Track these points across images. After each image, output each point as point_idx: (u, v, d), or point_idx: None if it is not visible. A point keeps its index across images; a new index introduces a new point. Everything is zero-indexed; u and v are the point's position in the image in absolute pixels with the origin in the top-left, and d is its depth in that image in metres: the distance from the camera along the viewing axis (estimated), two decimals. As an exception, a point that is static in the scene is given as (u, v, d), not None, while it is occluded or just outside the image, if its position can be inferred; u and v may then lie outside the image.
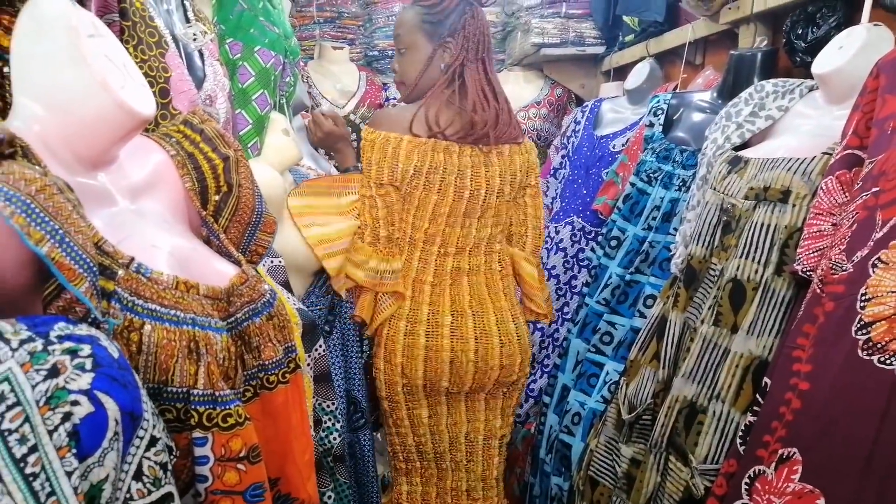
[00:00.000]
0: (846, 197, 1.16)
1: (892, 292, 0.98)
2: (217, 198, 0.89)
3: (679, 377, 1.36)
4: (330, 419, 1.45)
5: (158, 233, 0.75)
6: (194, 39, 1.24)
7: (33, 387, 0.45)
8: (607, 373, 1.70)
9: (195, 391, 0.64)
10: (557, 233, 2.28)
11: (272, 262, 1.47)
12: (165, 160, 0.85)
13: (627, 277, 1.78)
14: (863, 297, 1.00)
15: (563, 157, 2.54)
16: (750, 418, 1.17)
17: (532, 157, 1.73)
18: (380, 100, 2.97)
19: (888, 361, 0.96)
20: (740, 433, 1.19)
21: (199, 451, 0.64)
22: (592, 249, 2.01)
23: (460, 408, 1.76)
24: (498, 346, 1.66)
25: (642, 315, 1.68)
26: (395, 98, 2.96)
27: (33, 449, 0.44)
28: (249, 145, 1.56)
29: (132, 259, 0.64)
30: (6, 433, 0.43)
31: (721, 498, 1.17)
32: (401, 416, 1.71)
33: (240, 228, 0.92)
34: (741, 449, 1.16)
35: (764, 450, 1.09)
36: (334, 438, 1.46)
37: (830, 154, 1.24)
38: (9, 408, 0.44)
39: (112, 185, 0.74)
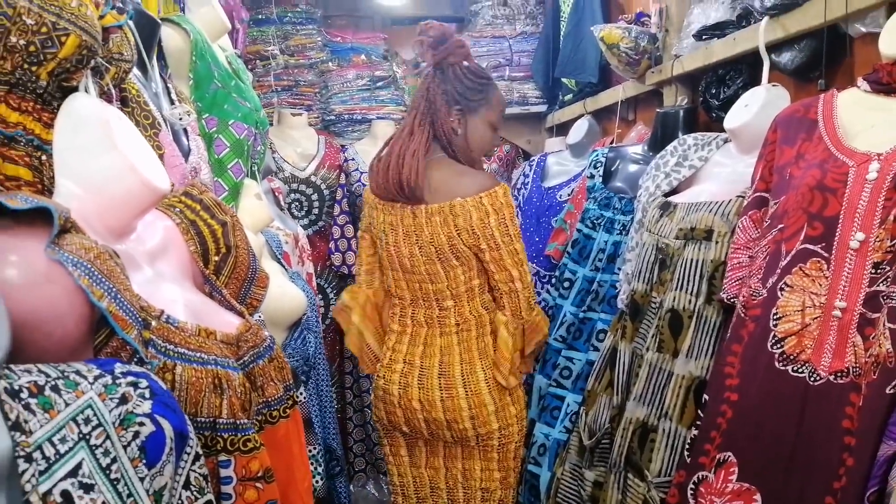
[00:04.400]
0: (758, 232, 1.35)
1: (798, 311, 1.16)
2: (217, 258, 1.02)
3: (631, 401, 1.51)
4: (312, 463, 1.54)
5: (174, 289, 0.87)
6: (181, 119, 1.37)
7: (109, 412, 0.57)
8: (568, 404, 1.83)
9: (220, 420, 0.75)
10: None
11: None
12: (172, 227, 0.98)
13: (581, 315, 1.94)
14: (774, 317, 1.18)
15: (515, 208, 2.72)
16: (694, 432, 1.32)
17: (476, 215, 1.59)
18: (339, 161, 3.13)
19: (800, 370, 1.13)
20: (687, 446, 1.33)
21: (224, 472, 0.75)
22: (548, 291, 2.17)
23: (438, 453, 1.82)
24: (439, 400, 1.67)
25: (595, 348, 1.83)
26: (353, 159, 3.12)
27: (114, 460, 0.55)
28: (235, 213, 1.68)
29: (162, 311, 0.76)
30: (94, 448, 0.54)
31: (674, 506, 1.31)
32: (386, 451, 1.84)
33: (237, 284, 1.04)
34: (688, 460, 1.31)
35: (705, 457, 1.24)
36: (317, 482, 1.55)
37: (743, 197, 1.44)
38: (94, 428, 0.55)
39: (134, 251, 0.86)
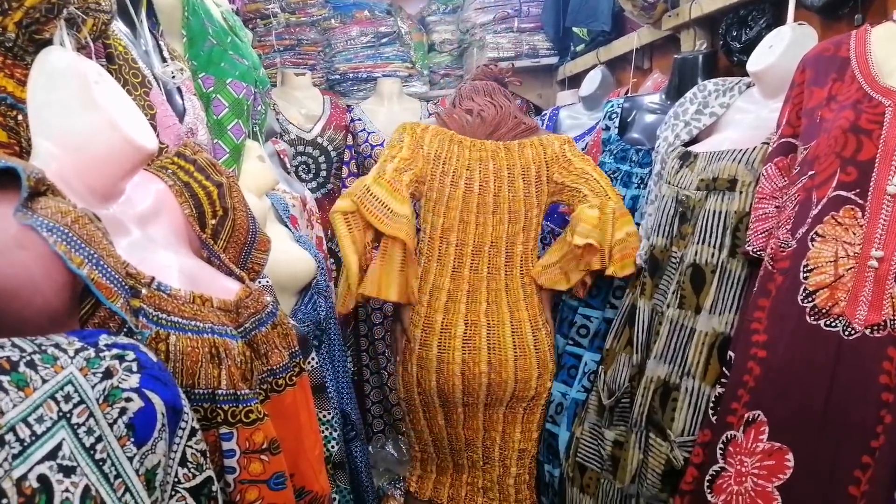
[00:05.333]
0: (785, 181, 1.28)
1: (830, 262, 1.10)
2: (214, 222, 0.96)
3: (652, 359, 1.46)
4: (327, 428, 1.52)
5: (167, 255, 0.82)
6: (173, 77, 1.31)
7: (92, 387, 0.52)
8: (585, 363, 1.79)
9: (219, 391, 0.71)
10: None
11: (259, 282, 1.53)
12: (165, 189, 0.92)
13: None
14: (805, 269, 1.12)
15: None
16: (718, 390, 1.28)
17: (550, 149, 1.76)
18: (345, 122, 3.05)
19: (833, 324, 1.07)
20: (711, 404, 1.29)
21: (226, 445, 0.71)
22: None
23: (478, 417, 1.76)
24: (512, 360, 1.64)
25: (612, 306, 1.78)
26: (359, 119, 3.04)
27: (99, 439, 0.51)
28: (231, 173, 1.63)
29: (153, 278, 0.71)
30: (76, 426, 0.50)
31: (699, 466, 1.27)
32: (417, 418, 1.78)
33: (237, 248, 0.99)
34: (713, 419, 1.26)
35: (733, 416, 1.19)
36: (332, 446, 1.53)
37: (769, 144, 1.36)
38: (75, 405, 0.50)
39: (122, 215, 0.81)
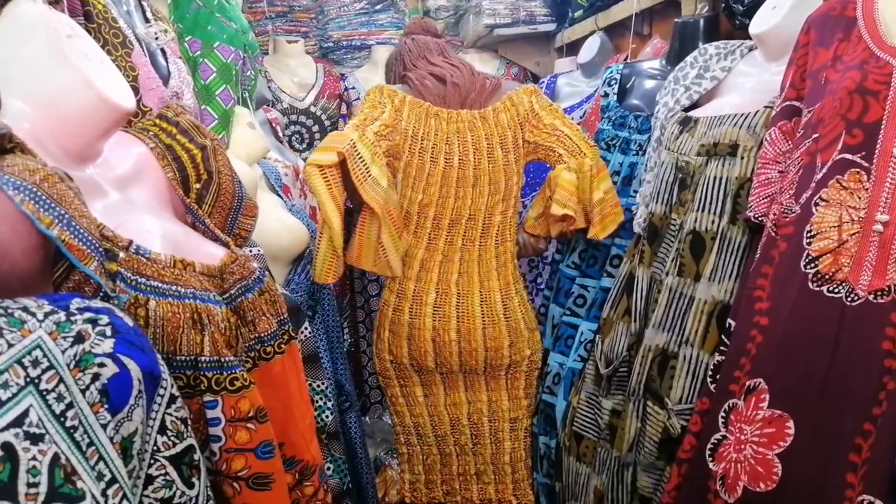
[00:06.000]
0: (789, 145, 1.24)
1: (834, 227, 1.07)
2: (198, 185, 0.93)
3: (650, 328, 1.44)
4: (321, 398, 1.50)
5: (149, 219, 0.79)
6: (156, 38, 1.26)
7: (63, 352, 0.50)
8: (582, 333, 1.77)
9: (202, 358, 0.68)
10: (525, 207, 2.35)
11: (251, 251, 1.50)
12: (146, 152, 0.89)
13: (594, 240, 1.85)
14: (808, 234, 1.09)
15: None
16: (718, 358, 1.26)
17: (521, 107, 1.68)
18: (339, 90, 3.00)
19: (836, 290, 1.05)
20: (709, 373, 1.27)
21: (210, 414, 0.68)
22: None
23: (458, 387, 1.73)
24: (480, 328, 1.63)
25: (610, 275, 1.75)
26: (353, 88, 2.98)
27: (70, 406, 0.48)
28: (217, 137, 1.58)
29: (131, 242, 0.68)
30: (45, 392, 0.47)
31: (697, 434, 1.25)
32: (395, 392, 1.76)
33: (223, 213, 0.96)
34: (712, 387, 1.25)
35: (735, 384, 1.17)
36: (327, 416, 1.51)
37: (771, 107, 1.32)
38: (44, 370, 0.48)
39: (100, 177, 0.77)
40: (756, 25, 1.46)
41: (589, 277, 1.82)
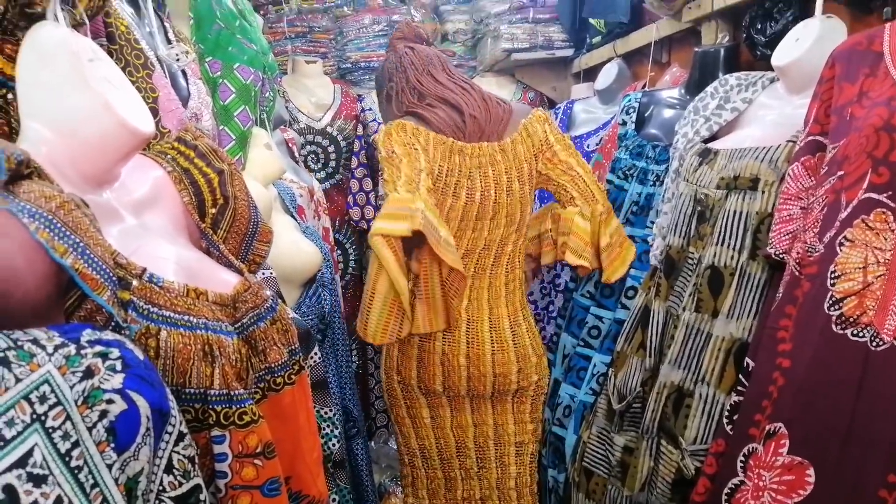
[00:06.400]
0: (812, 181, 1.22)
1: (859, 268, 1.04)
2: (214, 210, 0.92)
3: (665, 364, 1.42)
4: (328, 426, 1.48)
5: (164, 245, 0.78)
6: (178, 60, 1.26)
7: (71, 387, 0.48)
8: (595, 365, 1.74)
9: (212, 391, 0.67)
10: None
11: (263, 273, 1.49)
12: (163, 176, 0.88)
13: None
14: (832, 275, 1.06)
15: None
16: (735, 398, 1.23)
17: (536, 137, 1.67)
18: (356, 111, 3.01)
19: (860, 334, 1.02)
20: (726, 413, 1.24)
21: (217, 449, 0.67)
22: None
23: (464, 410, 1.72)
24: (489, 353, 1.63)
25: (625, 307, 1.73)
26: (370, 109, 2.99)
27: (76, 444, 0.47)
28: (234, 160, 1.58)
29: (144, 269, 0.67)
30: (51, 430, 0.46)
31: (712, 477, 1.22)
32: (401, 413, 1.74)
33: (237, 239, 0.95)
34: (728, 428, 1.21)
35: (755, 428, 1.14)
36: (333, 444, 1.49)
37: (794, 142, 1.30)
38: (51, 407, 0.46)
39: (116, 201, 0.77)
40: (779, 57, 1.45)
41: (604, 308, 1.79)
